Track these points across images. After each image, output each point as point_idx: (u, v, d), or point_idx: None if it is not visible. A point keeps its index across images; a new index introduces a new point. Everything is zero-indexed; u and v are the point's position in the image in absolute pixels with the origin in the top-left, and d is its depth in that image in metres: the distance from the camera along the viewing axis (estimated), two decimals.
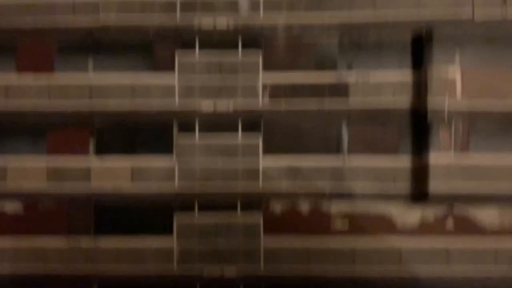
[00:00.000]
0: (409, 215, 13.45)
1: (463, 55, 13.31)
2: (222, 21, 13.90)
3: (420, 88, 13.34)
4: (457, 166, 13.15)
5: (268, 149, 13.78)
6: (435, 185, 13.08)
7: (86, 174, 13.96)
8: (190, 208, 13.83)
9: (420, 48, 13.48)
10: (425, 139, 13.27)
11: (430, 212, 13.37)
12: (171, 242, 13.80)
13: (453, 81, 13.14)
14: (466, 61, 13.27)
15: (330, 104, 13.59)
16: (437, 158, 13.14)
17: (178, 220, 13.80)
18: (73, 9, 14.11)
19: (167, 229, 13.80)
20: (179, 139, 13.91)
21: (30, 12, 14.07)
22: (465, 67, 13.23)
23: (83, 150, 14.05)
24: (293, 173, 13.69)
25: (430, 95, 13.09)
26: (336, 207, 13.62)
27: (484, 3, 13.24)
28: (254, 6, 13.86)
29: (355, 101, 13.55)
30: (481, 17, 13.25)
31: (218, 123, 13.90)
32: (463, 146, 13.20)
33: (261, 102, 13.80)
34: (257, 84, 13.84)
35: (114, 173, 13.93)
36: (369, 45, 13.72)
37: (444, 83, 13.12)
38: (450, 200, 13.16)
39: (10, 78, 14.15)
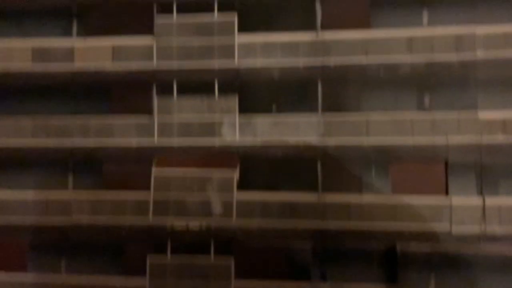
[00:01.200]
0: None
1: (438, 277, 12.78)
2: (195, 224, 13.64)
3: None
4: None
5: None
6: None
7: None
8: None
9: (395, 261, 12.99)
10: None
11: None
12: None
13: None
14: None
15: None
16: None
17: None
18: (46, 208, 14.08)
19: None
20: None
21: (3, 210, 14.15)
22: None
23: None
24: None
25: None
26: None
27: (462, 219, 12.70)
28: (227, 210, 13.59)
29: None
30: (459, 232, 12.70)
31: None
32: None
33: None
34: None
35: None
36: (344, 254, 13.29)
37: None
38: None
39: None
